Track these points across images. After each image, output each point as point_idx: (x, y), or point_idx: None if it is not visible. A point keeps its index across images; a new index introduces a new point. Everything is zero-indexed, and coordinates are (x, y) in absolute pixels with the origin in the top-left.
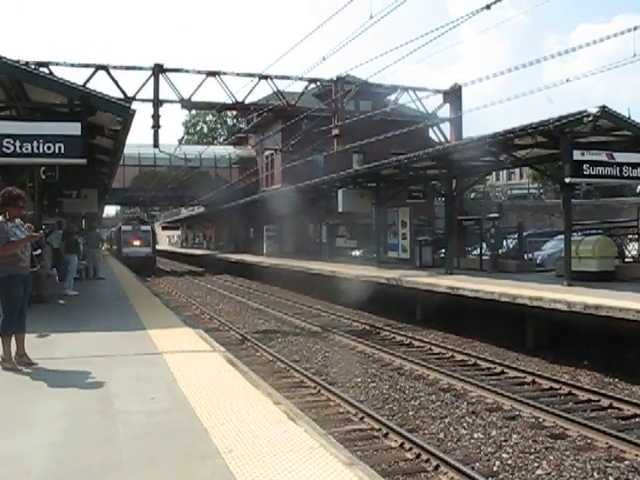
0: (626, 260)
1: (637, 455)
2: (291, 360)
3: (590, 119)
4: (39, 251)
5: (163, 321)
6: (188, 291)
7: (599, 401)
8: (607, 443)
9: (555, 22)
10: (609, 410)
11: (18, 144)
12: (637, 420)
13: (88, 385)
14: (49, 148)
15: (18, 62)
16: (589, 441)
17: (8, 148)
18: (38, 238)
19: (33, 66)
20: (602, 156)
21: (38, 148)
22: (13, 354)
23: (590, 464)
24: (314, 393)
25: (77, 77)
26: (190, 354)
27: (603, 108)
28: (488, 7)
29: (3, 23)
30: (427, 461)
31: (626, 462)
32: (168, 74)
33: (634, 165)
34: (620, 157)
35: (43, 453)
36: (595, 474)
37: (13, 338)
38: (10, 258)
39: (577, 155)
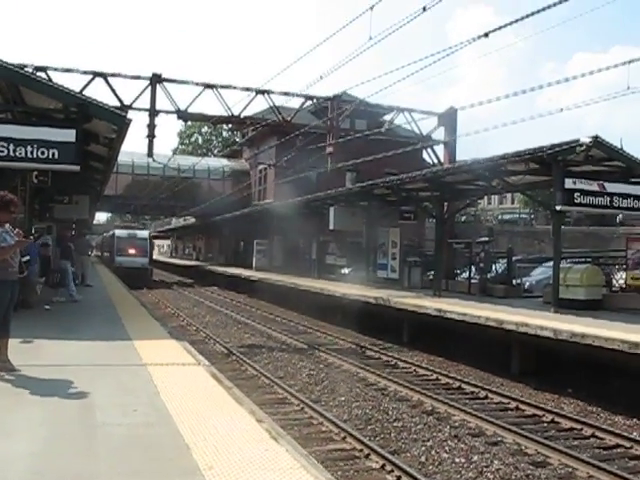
0: (613, 289)
1: None
2: (276, 376)
3: (583, 149)
4: (27, 257)
5: (149, 332)
6: (176, 302)
7: (582, 430)
8: (588, 473)
9: (552, 50)
10: (591, 439)
11: (12, 148)
12: (619, 450)
13: (70, 394)
14: (43, 153)
15: (15, 66)
16: (570, 470)
17: (2, 151)
18: (27, 244)
19: (31, 70)
20: (594, 186)
21: (32, 153)
22: None
23: None
24: (297, 410)
25: (74, 83)
26: (175, 367)
27: (595, 138)
28: (486, 35)
29: (2, 26)
30: None
31: None
32: (165, 84)
33: (625, 196)
34: (611, 187)
35: (21, 462)
36: None
37: None
38: (0, 263)
39: (569, 183)
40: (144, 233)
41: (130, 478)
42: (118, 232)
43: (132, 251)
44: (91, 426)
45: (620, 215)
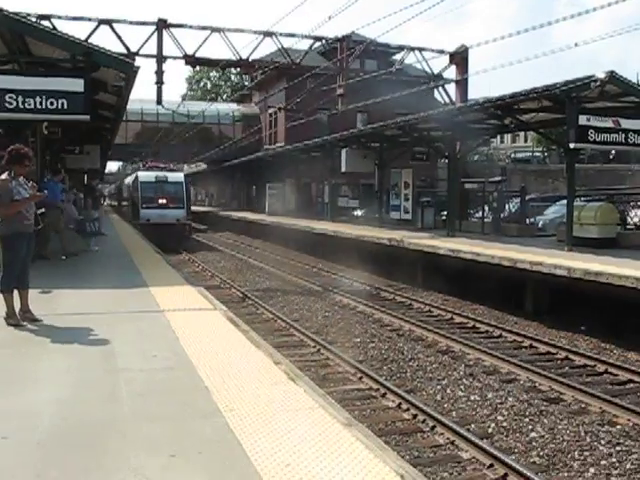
0: (628, 227)
1: (629, 420)
2: (291, 319)
3: (597, 84)
4: (43, 209)
5: (165, 279)
6: (190, 248)
7: (595, 366)
8: (600, 408)
9: None
10: (604, 375)
11: (21, 99)
12: (631, 386)
13: (91, 342)
14: (52, 104)
15: (20, 15)
16: (583, 406)
17: (10, 103)
18: (42, 198)
19: (35, 19)
20: (608, 122)
21: (41, 103)
22: (17, 310)
23: (583, 428)
24: (314, 352)
25: (80, 31)
26: (192, 312)
27: (611, 73)
28: None
29: None
30: (424, 422)
31: (618, 427)
32: (172, 30)
33: None
34: (626, 124)
35: (48, 408)
36: (587, 438)
37: (16, 294)
38: (15, 216)
39: (583, 120)
40: (178, 176)
41: (153, 422)
42: (142, 175)
43: (163, 201)
44: (113, 372)
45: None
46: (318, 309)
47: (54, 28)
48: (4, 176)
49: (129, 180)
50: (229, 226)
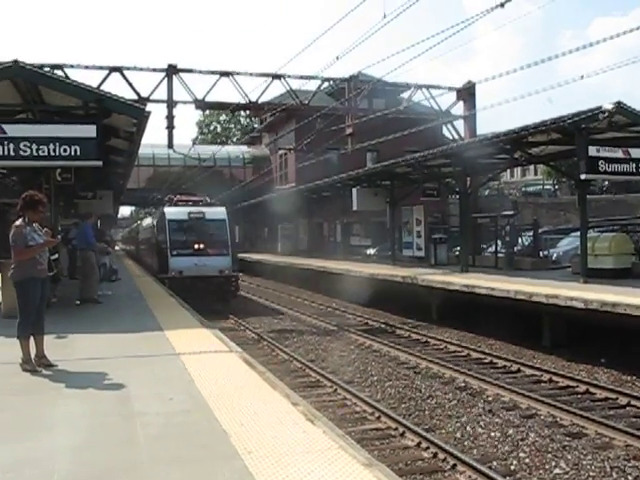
0: None
1: None
2: (307, 359)
3: (606, 115)
4: (56, 255)
5: (179, 322)
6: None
7: (617, 399)
8: (625, 442)
9: (570, 17)
10: (627, 408)
11: (35, 147)
12: None
13: (107, 386)
14: (65, 150)
15: (33, 65)
16: (607, 440)
17: (25, 151)
18: (55, 244)
19: (48, 69)
20: (618, 152)
21: (54, 151)
22: (32, 356)
23: (609, 463)
24: (330, 392)
25: (92, 79)
26: (207, 355)
27: (618, 104)
28: (502, 5)
29: (18, 26)
30: (444, 460)
31: None
32: (181, 75)
33: None
34: (636, 153)
35: (64, 455)
36: (614, 474)
37: (32, 340)
38: (28, 261)
39: (593, 151)
40: (218, 211)
41: (171, 465)
42: (171, 212)
43: (200, 246)
44: (129, 416)
45: None
46: (334, 348)
47: (66, 77)
48: (19, 222)
49: (149, 221)
50: (242, 267)
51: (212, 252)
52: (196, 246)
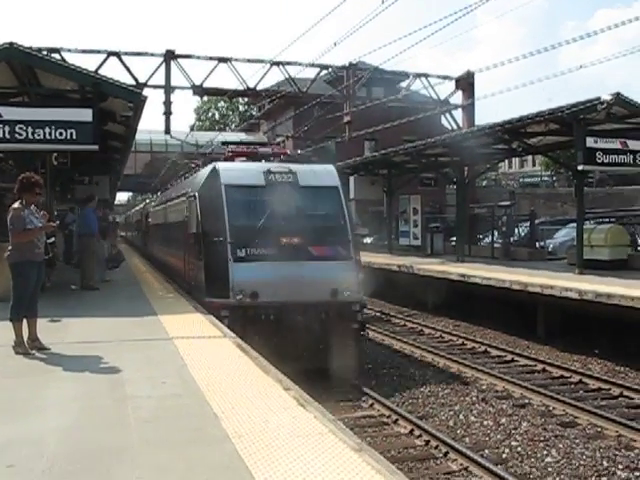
0: (639, 249)
1: None
2: None
3: (604, 106)
4: (53, 239)
5: (173, 307)
6: None
7: (609, 390)
8: (617, 432)
9: (573, 8)
10: (619, 399)
11: (30, 130)
12: None
13: (100, 369)
14: (61, 134)
15: (30, 48)
16: (599, 429)
17: (20, 134)
18: (54, 228)
19: (45, 52)
20: (616, 144)
21: (50, 134)
22: (25, 339)
23: (600, 452)
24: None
25: (89, 63)
26: (201, 340)
27: (617, 95)
28: None
29: (15, 9)
30: (436, 448)
31: (636, 450)
32: (179, 60)
33: None
34: (634, 145)
35: (55, 436)
36: (605, 462)
37: (25, 323)
38: (26, 244)
39: (590, 142)
40: (323, 171)
41: (161, 448)
42: (229, 171)
43: (293, 239)
44: (121, 399)
45: None
46: None
47: (63, 60)
48: (16, 205)
49: (178, 192)
50: None
51: (318, 253)
52: (284, 240)
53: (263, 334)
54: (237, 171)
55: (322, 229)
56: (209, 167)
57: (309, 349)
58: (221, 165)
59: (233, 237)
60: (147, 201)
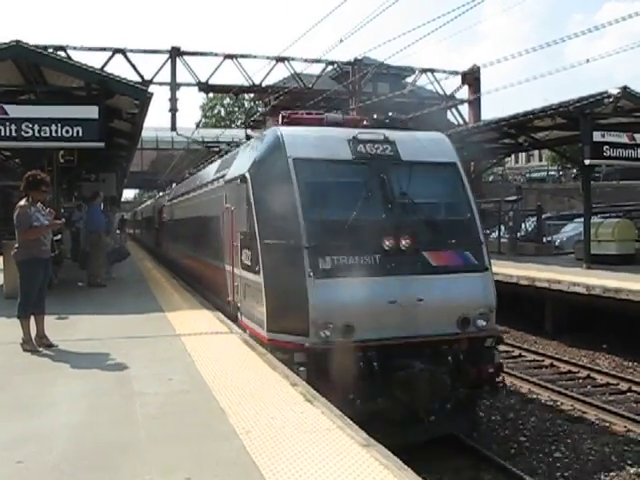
0: None
1: None
2: None
3: (611, 100)
4: (59, 236)
5: (180, 303)
6: None
7: (618, 385)
8: (625, 427)
9: (580, 1)
10: (628, 394)
11: (37, 128)
12: None
13: (107, 366)
14: (67, 132)
15: (36, 46)
16: (607, 425)
17: (27, 132)
18: (60, 226)
19: (51, 50)
20: (623, 138)
21: (56, 132)
22: (33, 336)
23: (608, 448)
24: None
25: (94, 60)
26: (208, 336)
27: (624, 89)
28: None
29: (21, 7)
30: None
31: None
32: (185, 57)
33: None
34: None
35: (64, 432)
36: (613, 457)
37: (33, 320)
38: (33, 242)
39: (597, 137)
40: (433, 140)
41: (168, 444)
42: (299, 138)
43: (405, 242)
44: (129, 396)
45: None
46: None
47: (69, 58)
48: (23, 202)
49: (209, 175)
50: None
51: (439, 261)
52: (388, 243)
53: (363, 391)
54: (311, 139)
55: (441, 226)
56: (267, 133)
57: (434, 412)
58: (285, 131)
59: (312, 239)
60: (160, 194)
